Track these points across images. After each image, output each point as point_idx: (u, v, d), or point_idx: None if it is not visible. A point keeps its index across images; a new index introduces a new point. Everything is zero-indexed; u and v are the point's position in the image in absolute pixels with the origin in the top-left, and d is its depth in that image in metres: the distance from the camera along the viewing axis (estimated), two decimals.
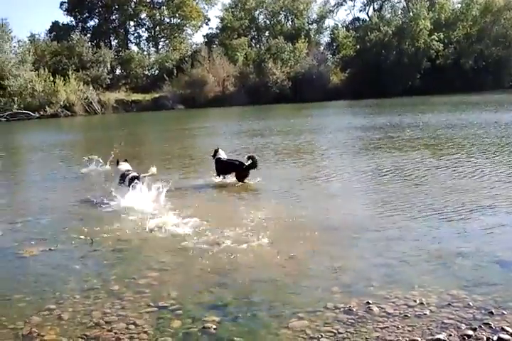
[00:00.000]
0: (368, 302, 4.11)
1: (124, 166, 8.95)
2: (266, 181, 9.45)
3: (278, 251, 5.46)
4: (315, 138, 17.69)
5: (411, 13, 55.94)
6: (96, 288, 4.66)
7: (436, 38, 54.01)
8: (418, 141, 14.88)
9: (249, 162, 9.44)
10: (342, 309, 4.04)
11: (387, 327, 3.75)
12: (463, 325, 3.73)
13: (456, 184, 8.46)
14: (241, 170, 9.46)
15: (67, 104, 45.23)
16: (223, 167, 9.76)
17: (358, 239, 5.73)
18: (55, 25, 62.61)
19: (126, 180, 8.38)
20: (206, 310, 4.13)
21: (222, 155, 10.03)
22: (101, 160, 11.46)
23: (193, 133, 22.13)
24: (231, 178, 9.74)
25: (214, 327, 3.84)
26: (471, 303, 4.03)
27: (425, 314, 3.91)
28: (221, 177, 9.79)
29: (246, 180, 9.47)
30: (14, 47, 49.61)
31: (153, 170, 8.68)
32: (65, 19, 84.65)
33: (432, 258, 5.01)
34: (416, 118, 23.36)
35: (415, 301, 4.11)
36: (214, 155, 10.01)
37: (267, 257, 5.29)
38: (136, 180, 8.16)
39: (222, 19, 64.40)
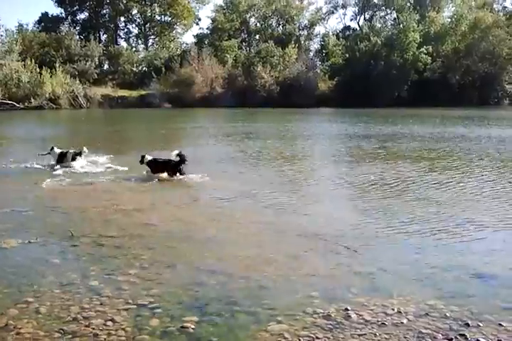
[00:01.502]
0: (347, 309, 4.14)
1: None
2: (254, 185, 9.46)
3: (259, 254, 5.48)
4: (309, 145, 17.71)
5: (401, 25, 56.51)
6: (75, 283, 4.63)
7: (425, 51, 54.62)
8: (413, 152, 14.85)
9: (178, 159, 10.20)
10: (321, 314, 4.06)
11: (365, 334, 3.79)
12: (439, 335, 3.78)
13: (447, 197, 8.47)
14: (172, 167, 10.19)
15: (53, 97, 44.78)
16: (157, 166, 10.41)
17: (339, 247, 5.76)
18: (44, 16, 62.04)
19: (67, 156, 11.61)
20: (185, 309, 4.13)
21: (149, 158, 10.69)
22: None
23: (185, 133, 22.05)
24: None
25: (192, 326, 3.84)
26: (448, 314, 4.08)
27: (402, 323, 3.95)
28: (155, 175, 10.35)
29: (182, 176, 10.16)
30: (1, 36, 49.05)
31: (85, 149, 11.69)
32: (54, 10, 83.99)
33: (411, 269, 5.06)
34: (407, 128, 23.64)
35: (393, 310, 4.15)
36: (142, 161, 10.62)
37: (248, 260, 5.29)
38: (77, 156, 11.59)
39: (213, 20, 64.47)
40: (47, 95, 44.34)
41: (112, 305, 4.19)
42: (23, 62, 45.58)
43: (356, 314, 4.07)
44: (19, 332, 3.74)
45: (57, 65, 46.56)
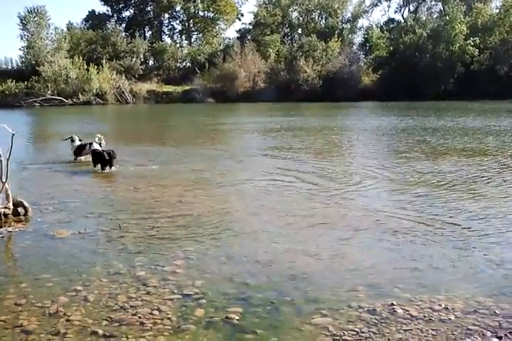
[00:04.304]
0: (393, 304, 4.08)
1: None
2: (301, 178, 9.46)
3: (303, 247, 5.46)
4: (375, 139, 17.14)
5: (447, 17, 55.09)
6: (122, 273, 4.73)
7: (472, 43, 53.14)
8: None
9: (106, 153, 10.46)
10: (366, 309, 4.01)
11: (411, 329, 3.72)
12: (488, 332, 3.68)
13: (493, 192, 8.21)
14: (105, 160, 10.45)
15: (100, 93, 45.94)
16: (97, 157, 10.69)
17: (384, 241, 5.68)
18: (91, 14, 63.43)
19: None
20: (230, 300, 4.15)
21: (96, 146, 11.23)
22: None
23: (239, 128, 21.96)
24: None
25: (237, 318, 3.86)
26: (497, 311, 3.96)
27: (450, 319, 3.87)
28: (97, 166, 10.65)
29: (112, 169, 10.46)
30: (51, 34, 50.49)
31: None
32: (101, 8, 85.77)
33: (459, 265, 4.94)
34: (474, 122, 23.00)
35: (440, 305, 4.06)
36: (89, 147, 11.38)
37: (292, 253, 5.28)
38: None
39: (255, 15, 64.49)
40: (94, 91, 45.49)
41: (158, 294, 4.26)
42: (71, 59, 46.84)
43: (402, 309, 4.00)
44: (68, 319, 3.84)
45: (103, 61, 47.75)
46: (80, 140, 12.06)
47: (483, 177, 9.55)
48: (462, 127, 20.71)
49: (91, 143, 11.53)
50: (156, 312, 3.96)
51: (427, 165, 10.90)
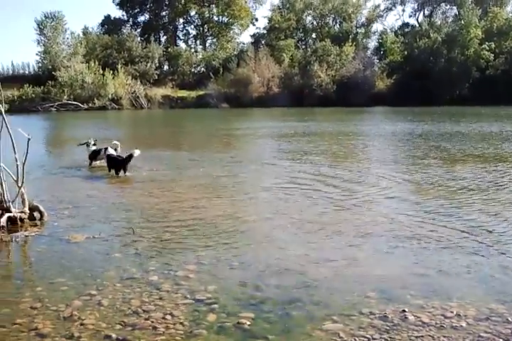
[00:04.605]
0: (404, 311, 4.08)
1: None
2: (312, 183, 9.48)
3: (316, 254, 5.48)
4: (390, 145, 17.10)
5: (462, 21, 54.76)
6: (135, 278, 4.77)
7: (487, 48, 52.75)
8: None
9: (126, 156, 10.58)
10: (377, 315, 4.02)
11: (422, 336, 3.72)
12: (500, 339, 3.66)
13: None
14: (120, 164, 10.56)
15: (115, 98, 46.28)
16: (112, 162, 10.81)
17: (396, 247, 5.67)
18: (106, 19, 64.00)
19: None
20: (242, 306, 4.18)
21: (111, 151, 11.30)
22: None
23: (254, 133, 21.86)
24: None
25: (248, 323, 3.89)
26: (510, 319, 3.95)
27: (462, 326, 3.86)
28: (112, 171, 10.74)
29: (126, 173, 10.54)
30: (67, 38, 51.06)
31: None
32: (116, 13, 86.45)
33: (472, 272, 4.93)
34: (483, 127, 22.74)
35: (452, 312, 4.06)
36: (105, 152, 11.40)
37: (305, 259, 5.30)
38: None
39: (269, 19, 64.68)
40: (109, 96, 45.86)
41: (171, 299, 4.31)
42: (87, 64, 47.28)
43: (414, 316, 4.00)
44: (83, 323, 3.90)
45: (119, 66, 48.14)
46: (94, 144, 12.16)
47: (502, 184, 9.46)
48: (478, 133, 20.54)
49: (106, 148, 11.58)
50: (168, 316, 4.00)
51: (446, 171, 10.82)
